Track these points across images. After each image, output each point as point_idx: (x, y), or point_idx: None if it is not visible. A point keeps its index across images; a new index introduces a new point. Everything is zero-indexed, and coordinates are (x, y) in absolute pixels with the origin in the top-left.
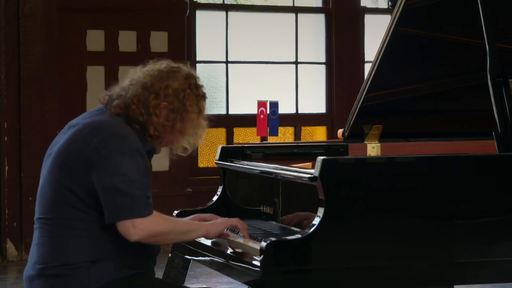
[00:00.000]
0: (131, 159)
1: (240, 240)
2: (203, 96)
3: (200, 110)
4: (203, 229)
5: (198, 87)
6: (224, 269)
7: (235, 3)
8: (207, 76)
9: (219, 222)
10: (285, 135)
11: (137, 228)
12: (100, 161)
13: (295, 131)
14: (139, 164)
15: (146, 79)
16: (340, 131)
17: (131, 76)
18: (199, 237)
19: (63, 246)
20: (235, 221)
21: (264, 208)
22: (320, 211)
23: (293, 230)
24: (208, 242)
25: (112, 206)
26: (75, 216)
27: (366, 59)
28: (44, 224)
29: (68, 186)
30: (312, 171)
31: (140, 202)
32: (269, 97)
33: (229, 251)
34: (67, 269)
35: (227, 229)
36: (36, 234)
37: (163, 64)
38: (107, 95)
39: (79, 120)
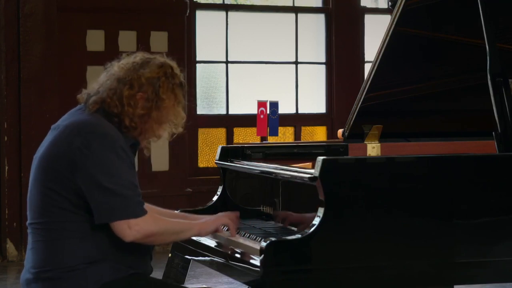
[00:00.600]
0: (116, 157)
1: (240, 240)
2: (180, 85)
3: (177, 98)
4: (196, 228)
5: (174, 75)
6: (224, 269)
7: (235, 3)
8: (207, 76)
9: (211, 221)
10: (285, 135)
11: (132, 229)
12: (84, 161)
13: (295, 131)
14: (124, 161)
15: (121, 72)
16: (340, 131)
17: (107, 72)
18: (193, 236)
19: (56, 249)
20: (225, 219)
21: (264, 208)
22: (320, 211)
23: (293, 230)
24: (207, 242)
25: (104, 207)
26: (65, 218)
27: (366, 59)
28: (36, 229)
29: (55, 189)
30: (312, 171)
31: (133, 202)
32: (269, 97)
33: (229, 251)
34: (63, 272)
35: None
36: (29, 239)
37: (137, 56)
38: (85, 93)
39: (60, 122)
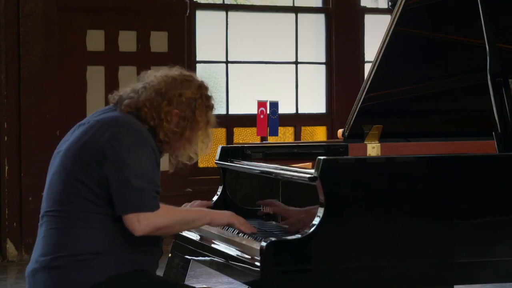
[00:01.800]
0: (145, 152)
1: (240, 240)
2: (212, 107)
3: (209, 120)
4: (208, 217)
5: (208, 98)
6: (224, 269)
7: (235, 3)
8: (207, 76)
9: (226, 215)
10: (285, 135)
11: (142, 223)
12: (113, 153)
13: (295, 131)
14: (152, 158)
15: (160, 85)
16: (340, 131)
17: (144, 79)
18: (204, 225)
19: (68, 236)
20: (238, 221)
21: (264, 208)
22: (320, 211)
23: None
24: (208, 242)
25: (123, 200)
26: (85, 208)
27: (366, 59)
28: (52, 216)
29: (80, 178)
30: (312, 171)
31: (149, 196)
32: (269, 97)
33: (229, 251)
34: (72, 260)
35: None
36: (42, 228)
37: (176, 71)
38: (117, 95)
39: (89, 118)
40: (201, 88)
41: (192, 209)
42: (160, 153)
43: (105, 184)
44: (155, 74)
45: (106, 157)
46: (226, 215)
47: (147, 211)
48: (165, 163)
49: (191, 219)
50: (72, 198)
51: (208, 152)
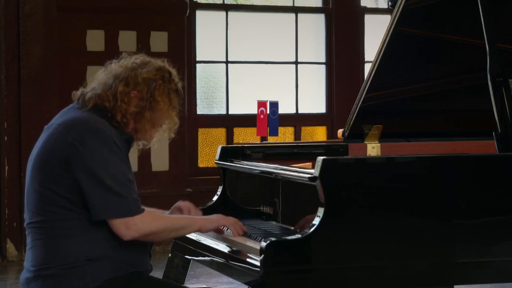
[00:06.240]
0: (109, 151)
1: (240, 240)
2: (176, 91)
3: (172, 103)
4: (197, 224)
5: (171, 81)
6: (224, 269)
7: (235, 3)
8: (207, 76)
9: (214, 219)
10: (285, 135)
11: (131, 229)
12: (78, 157)
13: (295, 131)
14: (118, 155)
15: (119, 70)
16: (340, 131)
17: (106, 70)
18: (193, 231)
19: (55, 247)
20: (226, 222)
21: (264, 208)
22: (320, 211)
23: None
24: (208, 242)
25: (99, 204)
26: (63, 216)
27: (366, 59)
28: (34, 228)
29: (51, 187)
30: (312, 171)
31: (128, 200)
32: (269, 97)
33: (229, 251)
34: (63, 269)
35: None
36: (28, 239)
37: (138, 58)
38: (80, 91)
39: (53, 121)
40: (161, 70)
41: (181, 216)
42: (129, 144)
43: (78, 189)
44: (118, 63)
45: (73, 162)
46: (215, 219)
47: (132, 215)
48: (164, 163)
49: (179, 227)
50: (49, 208)
51: (172, 136)
